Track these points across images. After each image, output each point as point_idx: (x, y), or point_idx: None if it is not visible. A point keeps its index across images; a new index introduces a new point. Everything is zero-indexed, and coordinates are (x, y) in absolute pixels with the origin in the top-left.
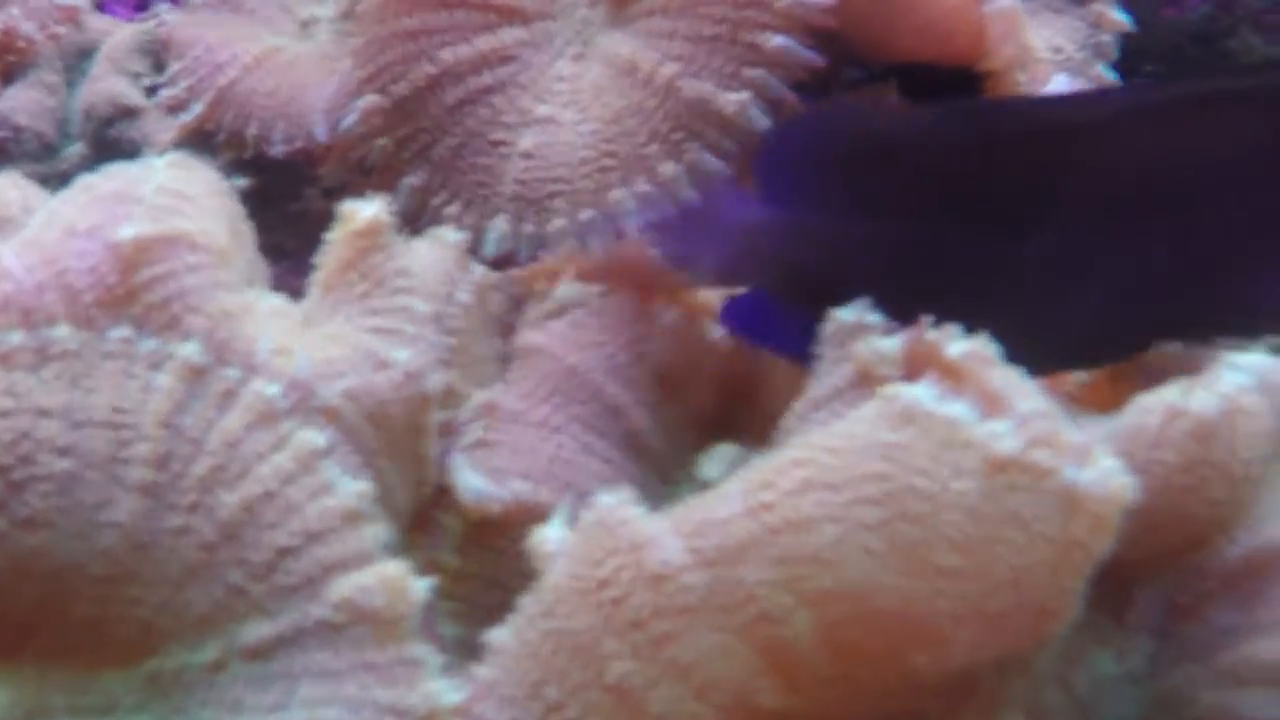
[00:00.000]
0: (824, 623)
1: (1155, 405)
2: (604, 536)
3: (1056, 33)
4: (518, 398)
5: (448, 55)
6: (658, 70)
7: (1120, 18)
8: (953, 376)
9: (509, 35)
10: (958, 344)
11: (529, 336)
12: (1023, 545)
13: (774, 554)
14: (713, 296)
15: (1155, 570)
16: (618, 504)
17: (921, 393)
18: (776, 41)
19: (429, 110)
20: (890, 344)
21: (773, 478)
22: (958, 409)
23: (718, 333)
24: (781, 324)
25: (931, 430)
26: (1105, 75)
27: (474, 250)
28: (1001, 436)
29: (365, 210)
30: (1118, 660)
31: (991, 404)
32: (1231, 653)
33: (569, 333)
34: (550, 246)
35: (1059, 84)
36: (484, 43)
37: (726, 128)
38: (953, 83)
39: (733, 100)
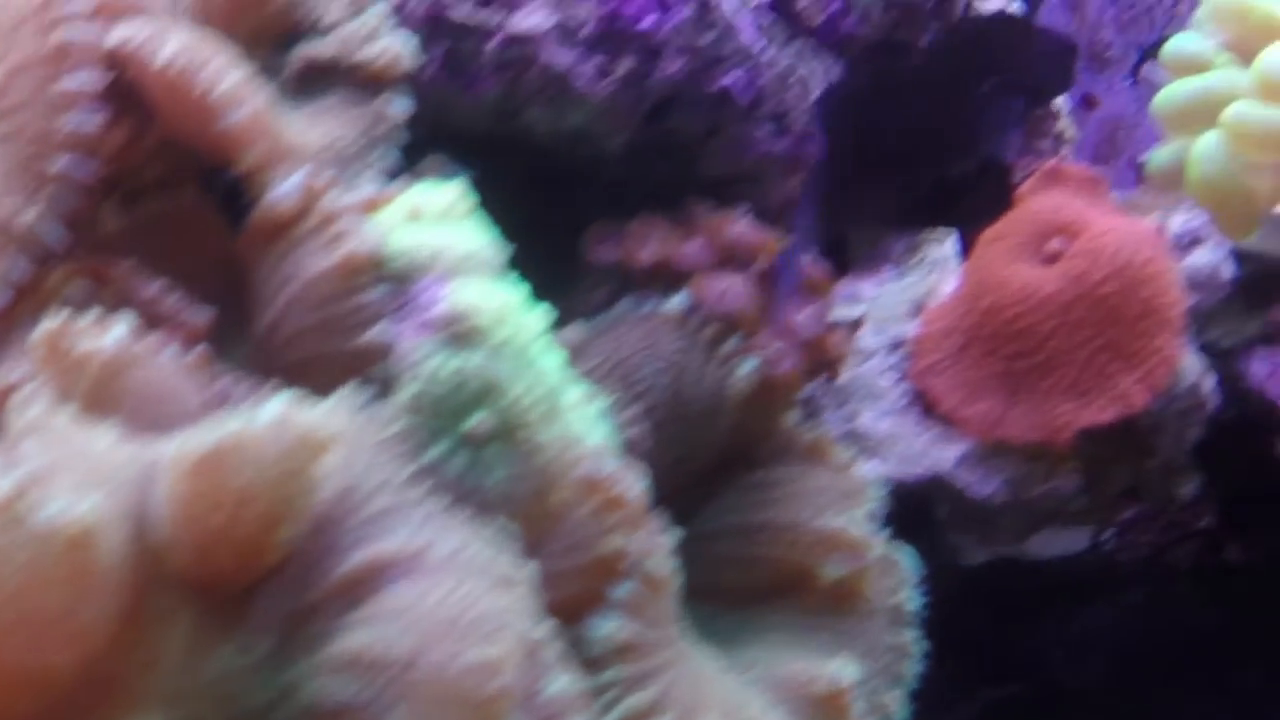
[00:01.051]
0: None
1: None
2: None
3: (342, 124)
4: None
5: None
6: None
7: (396, 109)
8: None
9: None
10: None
11: None
12: (21, 572)
13: None
14: None
15: (271, 582)
16: None
17: None
18: (61, 163)
19: None
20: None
21: None
22: None
23: None
24: None
25: None
26: (389, 158)
27: None
28: None
29: None
30: (242, 655)
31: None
32: (329, 647)
33: None
34: None
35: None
36: None
37: (27, 241)
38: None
39: (30, 215)
